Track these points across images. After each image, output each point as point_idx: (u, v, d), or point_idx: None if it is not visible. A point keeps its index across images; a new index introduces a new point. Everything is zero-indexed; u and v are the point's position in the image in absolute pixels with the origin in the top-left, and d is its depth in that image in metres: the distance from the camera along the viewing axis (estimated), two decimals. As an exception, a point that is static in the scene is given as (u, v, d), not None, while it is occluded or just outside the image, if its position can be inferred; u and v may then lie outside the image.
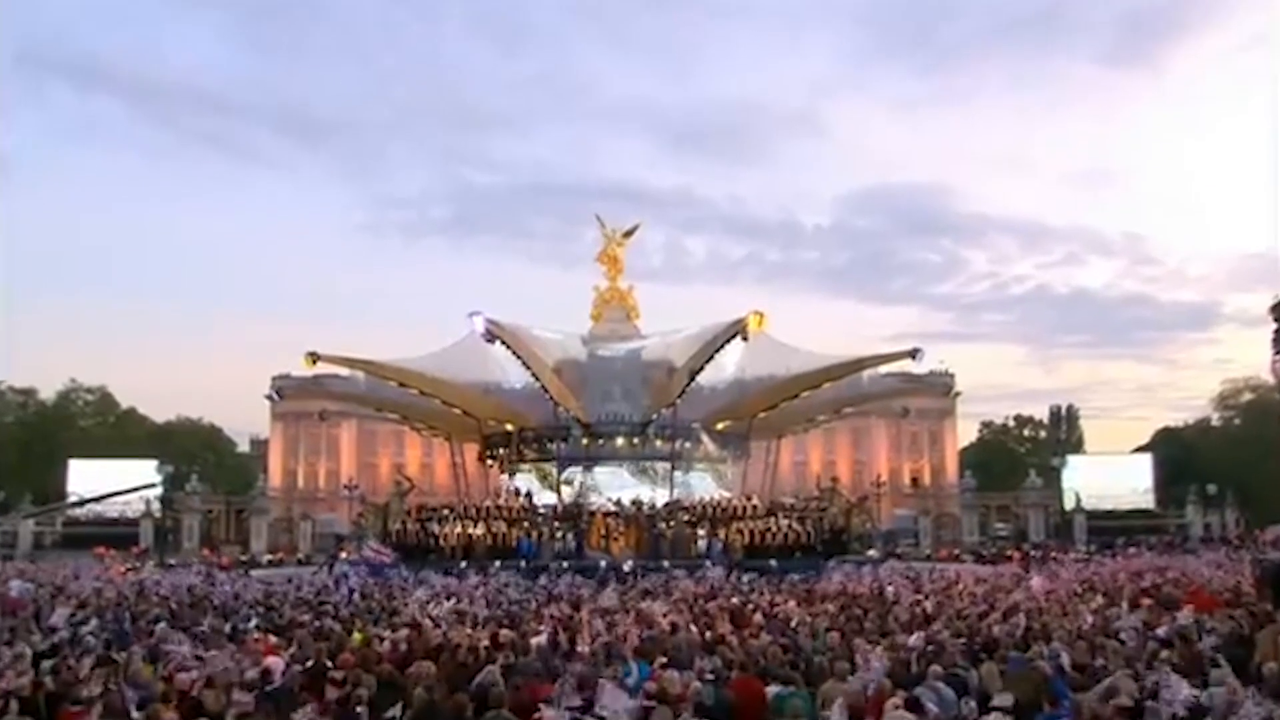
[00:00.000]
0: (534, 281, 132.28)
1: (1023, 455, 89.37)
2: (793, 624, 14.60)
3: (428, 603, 18.85)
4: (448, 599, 19.71)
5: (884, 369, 47.00)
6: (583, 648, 12.10)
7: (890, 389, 55.46)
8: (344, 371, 46.59)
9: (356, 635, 13.53)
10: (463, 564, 33.62)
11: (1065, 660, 10.03)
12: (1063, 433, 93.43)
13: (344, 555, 41.58)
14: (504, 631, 13.44)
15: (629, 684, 9.52)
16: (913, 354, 39.24)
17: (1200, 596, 16.79)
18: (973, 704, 8.44)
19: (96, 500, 58.95)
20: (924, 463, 79.75)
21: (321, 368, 41.94)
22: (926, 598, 18.71)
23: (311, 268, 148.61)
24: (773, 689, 9.59)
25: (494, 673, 9.91)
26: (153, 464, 58.49)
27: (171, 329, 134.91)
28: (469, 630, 13.98)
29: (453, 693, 9.00)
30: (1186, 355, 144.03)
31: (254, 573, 33.69)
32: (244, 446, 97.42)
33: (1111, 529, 65.35)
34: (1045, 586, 20.61)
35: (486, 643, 12.27)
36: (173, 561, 44.37)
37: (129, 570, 33.36)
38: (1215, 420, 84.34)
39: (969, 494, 74.64)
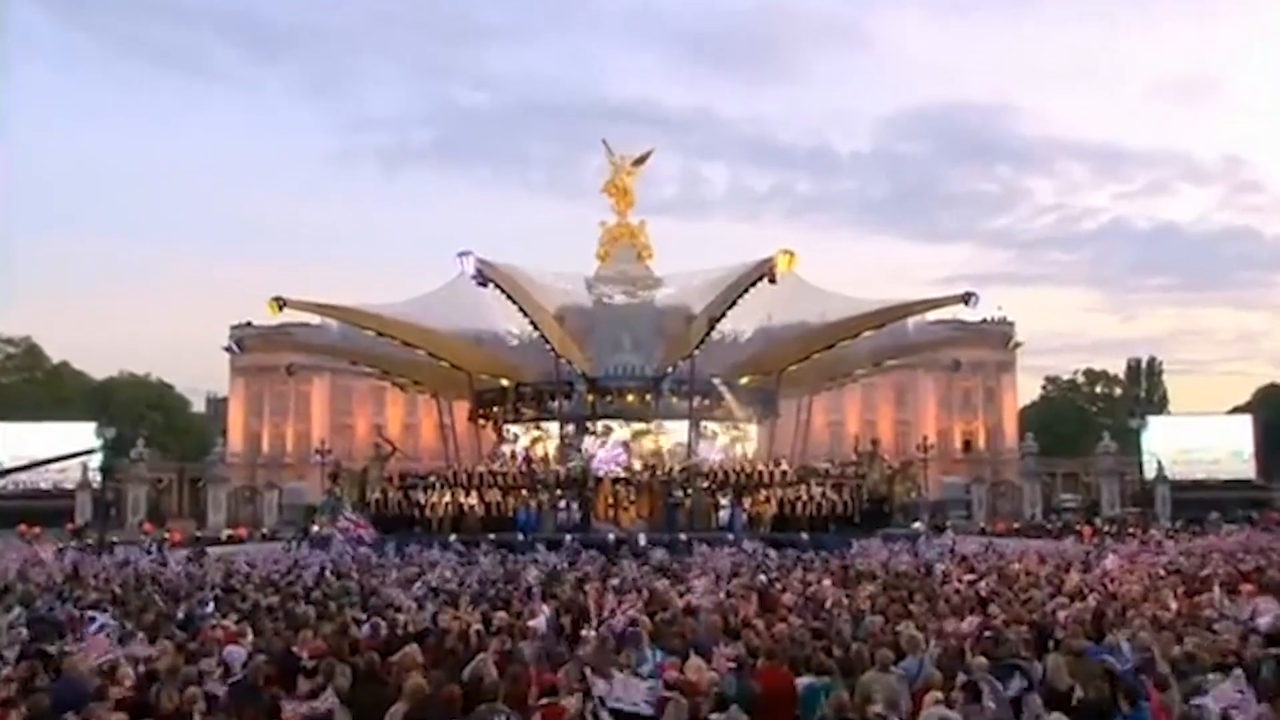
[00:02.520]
0: (531, 216, 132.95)
1: (1094, 415, 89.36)
2: (827, 606, 14.63)
3: (411, 582, 18.96)
4: (434, 577, 19.83)
5: (932, 316, 46.81)
6: (589, 632, 12.14)
7: (940, 339, 55.40)
8: (314, 319, 46.82)
9: (330, 620, 13.59)
10: (452, 538, 33.80)
11: (1145, 653, 9.99)
12: (1142, 390, 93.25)
13: (316, 529, 41.86)
14: (499, 614, 13.50)
15: (643, 673, 9.55)
16: (966, 299, 38.92)
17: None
18: (1036, 700, 8.42)
19: (23, 469, 58.46)
20: (978, 423, 79.82)
21: (288, 315, 41.98)
22: (981, 578, 18.72)
23: (275, 200, 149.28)
24: (804, 679, 9.61)
25: (487, 660, 9.96)
26: (90, 427, 58.32)
27: (111, 272, 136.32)
28: (458, 613, 14.05)
29: (441, 684, 9.04)
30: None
31: (211, 550, 33.90)
32: (199, 406, 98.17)
33: (1201, 502, 64.14)
34: (1122, 567, 20.51)
35: (478, 627, 12.32)
36: (115, 539, 44.51)
37: (61, 550, 33.37)
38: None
39: (1030, 459, 74.78)
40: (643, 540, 32.13)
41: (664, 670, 9.75)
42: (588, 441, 41.51)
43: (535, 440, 44.18)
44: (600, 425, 42.25)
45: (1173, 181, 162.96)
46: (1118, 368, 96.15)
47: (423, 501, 39.15)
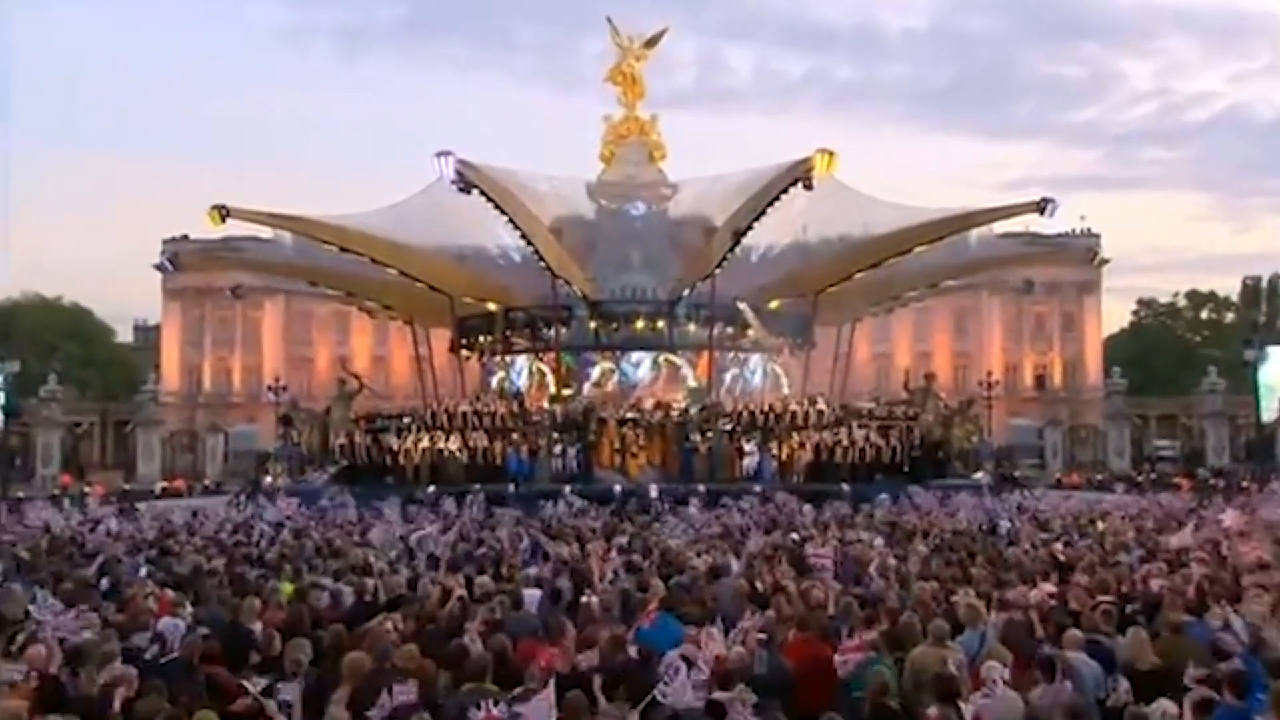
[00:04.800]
0: (521, 109, 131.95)
1: (1198, 346, 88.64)
2: (871, 569, 14.69)
3: (384, 541, 19.10)
4: (410, 535, 19.97)
5: (1000, 227, 46.56)
6: (591, 599, 12.22)
7: (1009, 255, 55.02)
8: (265, 232, 46.54)
9: (286, 586, 13.72)
10: (430, 489, 34.00)
11: (1260, 633, 9.92)
12: (1261, 314, 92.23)
13: (269, 480, 42.20)
14: (483, 578, 13.59)
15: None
16: (1041, 206, 38.64)
17: None
18: (1123, 683, 8.43)
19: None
20: (1054, 355, 79.88)
21: (232, 227, 41.86)
22: (1056, 538, 18.77)
23: (214, 90, 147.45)
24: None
25: (472, 632, 10.01)
26: (-13, 360, 57.82)
27: (13, 174, 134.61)
28: (439, 576, 14.14)
29: (408, 659, 9.09)
30: None
31: (143, 506, 34.12)
32: (125, 335, 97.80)
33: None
34: (1238, 525, 20.41)
35: (462, 592, 12.40)
36: (22, 494, 44.66)
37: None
38: None
39: (1117, 399, 74.45)
40: (654, 491, 32.30)
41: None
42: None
43: (534, 375, 44.21)
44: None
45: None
46: (1229, 288, 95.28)
47: (395, 447, 39.32)
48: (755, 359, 45.59)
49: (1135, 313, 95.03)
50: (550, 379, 43.33)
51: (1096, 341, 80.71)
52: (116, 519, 26.16)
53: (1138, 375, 77.21)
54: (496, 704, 7.14)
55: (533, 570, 15.00)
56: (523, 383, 44.27)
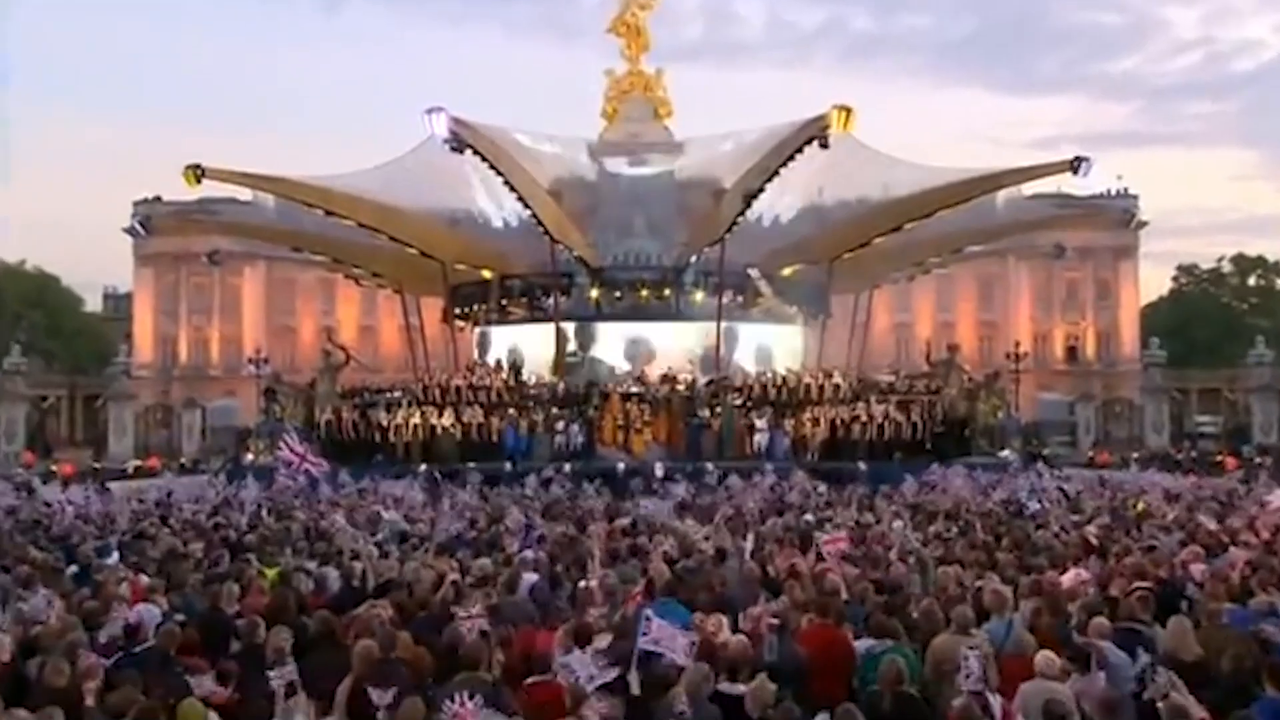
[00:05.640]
0: (518, 63, 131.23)
1: (1244, 315, 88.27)
2: (892, 553, 14.70)
3: (374, 523, 19.12)
4: (401, 516, 20.02)
5: (1029, 188, 46.36)
6: (591, 583, 12.25)
7: (1039, 217, 54.83)
8: (244, 194, 46.50)
9: (269, 571, 13.76)
10: (422, 467, 34.09)
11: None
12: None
13: (250, 458, 42.22)
14: (479, 562, 13.62)
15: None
16: (1075, 165, 38.45)
17: None
18: (1165, 674, 8.41)
19: None
20: (1087, 325, 79.69)
21: (209, 188, 41.70)
22: (1089, 520, 18.75)
23: (190, 42, 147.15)
24: (863, 643, 9.74)
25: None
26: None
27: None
28: (430, 559, 14.18)
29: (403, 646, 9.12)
30: None
31: (115, 486, 34.19)
32: (94, 304, 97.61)
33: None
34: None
35: (455, 577, 12.43)
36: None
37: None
38: None
39: (1156, 372, 74.20)
40: (660, 470, 32.35)
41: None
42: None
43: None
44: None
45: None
46: (1278, 252, 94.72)
47: (385, 423, 39.40)
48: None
49: (1175, 279, 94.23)
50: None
51: (1133, 310, 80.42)
52: (86, 501, 26.04)
53: (1178, 346, 76.96)
54: (473, 696, 7.14)
55: (529, 553, 15.02)
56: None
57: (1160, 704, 7.52)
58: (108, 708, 7.91)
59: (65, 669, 8.61)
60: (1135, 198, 77.79)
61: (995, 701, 8.17)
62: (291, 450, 31.71)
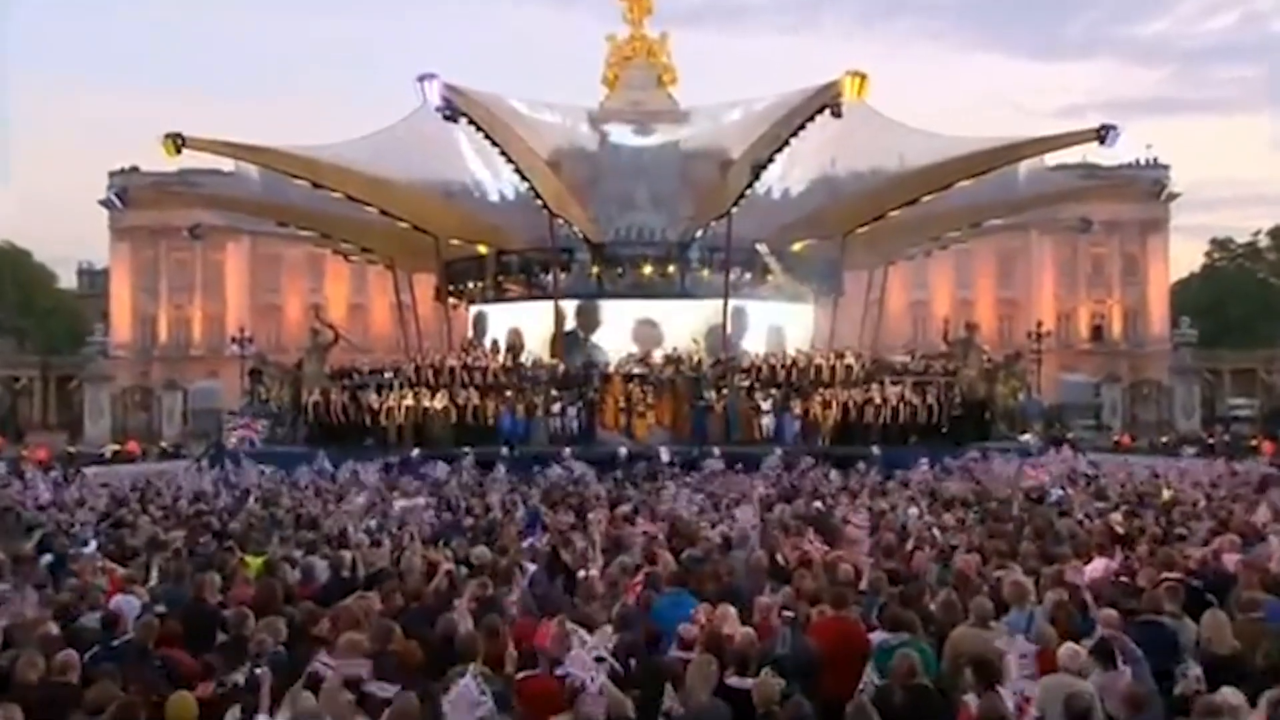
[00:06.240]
0: (514, 27, 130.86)
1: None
2: (907, 542, 14.71)
3: (365, 510, 19.17)
4: (393, 503, 20.05)
5: (1053, 158, 46.24)
6: (591, 572, 12.26)
7: (1063, 189, 54.66)
8: (226, 164, 46.31)
9: (255, 560, 13.77)
10: (414, 451, 34.16)
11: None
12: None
13: (233, 441, 42.34)
14: (476, 550, 13.63)
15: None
16: (1101, 135, 38.31)
17: None
18: (1194, 669, 8.41)
19: None
20: (1113, 303, 79.65)
21: (189, 159, 41.69)
22: (1116, 508, 18.73)
23: (170, 6, 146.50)
24: (876, 635, 9.73)
25: (461, 610, 10.07)
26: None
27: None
28: (424, 549, 14.20)
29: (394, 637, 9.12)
30: None
31: (90, 471, 34.26)
32: (68, 280, 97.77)
33: None
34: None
35: (450, 567, 12.45)
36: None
37: None
38: None
39: (1186, 352, 74.43)
40: (665, 455, 32.41)
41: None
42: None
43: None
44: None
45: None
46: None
47: (375, 405, 39.49)
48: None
49: (1208, 254, 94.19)
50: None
51: (1163, 287, 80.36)
52: (59, 487, 26.11)
53: (1210, 325, 76.95)
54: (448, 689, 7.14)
55: (529, 542, 15.04)
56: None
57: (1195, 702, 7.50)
58: (85, 704, 7.88)
59: (39, 663, 8.56)
60: (1165, 168, 77.46)
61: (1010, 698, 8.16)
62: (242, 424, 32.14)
